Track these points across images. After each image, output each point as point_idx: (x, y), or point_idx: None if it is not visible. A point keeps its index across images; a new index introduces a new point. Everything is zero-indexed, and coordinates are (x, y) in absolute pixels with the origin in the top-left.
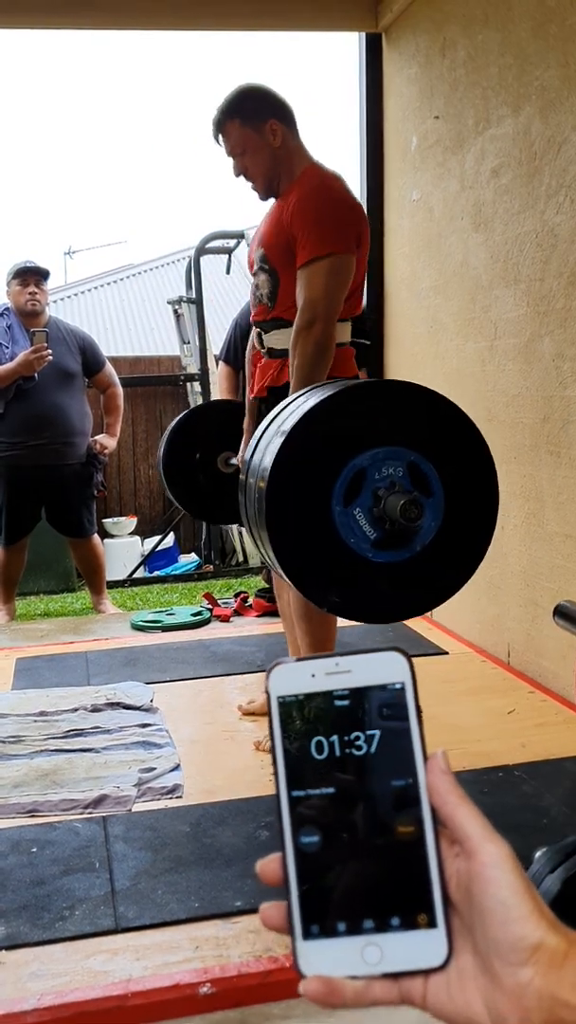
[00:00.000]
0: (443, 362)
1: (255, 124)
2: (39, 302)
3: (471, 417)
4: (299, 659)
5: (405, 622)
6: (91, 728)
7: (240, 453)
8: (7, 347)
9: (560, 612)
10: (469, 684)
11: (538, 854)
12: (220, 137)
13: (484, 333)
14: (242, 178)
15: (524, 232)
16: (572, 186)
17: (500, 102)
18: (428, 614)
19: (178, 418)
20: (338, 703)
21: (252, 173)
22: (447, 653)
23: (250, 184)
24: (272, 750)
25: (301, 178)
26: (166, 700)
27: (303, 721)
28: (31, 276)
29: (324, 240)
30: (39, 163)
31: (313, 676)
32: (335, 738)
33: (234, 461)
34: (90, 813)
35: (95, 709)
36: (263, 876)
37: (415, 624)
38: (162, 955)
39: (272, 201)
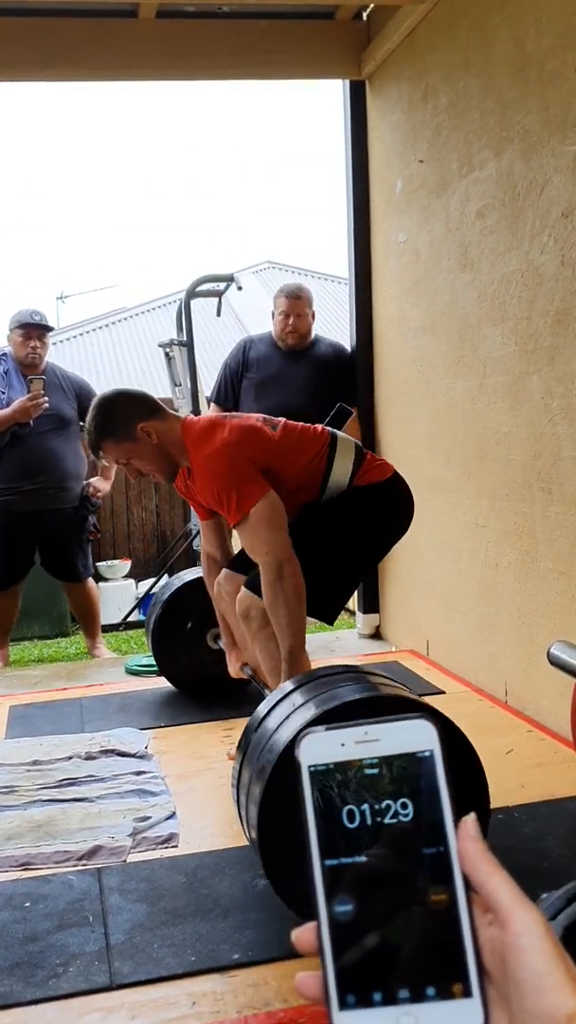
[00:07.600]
0: (433, 401)
1: (128, 435)
2: (40, 356)
3: (462, 456)
4: (328, 728)
5: (400, 661)
6: (85, 777)
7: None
8: (3, 392)
9: (554, 653)
10: (466, 723)
11: (540, 899)
12: (101, 454)
13: (473, 372)
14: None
15: (510, 272)
16: (555, 226)
17: (482, 146)
18: (424, 652)
19: (174, 588)
20: (368, 771)
21: (149, 470)
22: (444, 692)
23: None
24: (304, 820)
25: (192, 454)
26: (161, 746)
27: (334, 790)
28: (34, 331)
29: (239, 505)
30: (32, 209)
31: (343, 745)
32: (366, 807)
33: (220, 646)
34: (84, 865)
35: (89, 757)
36: (298, 945)
37: (411, 663)
38: (158, 1012)
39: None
